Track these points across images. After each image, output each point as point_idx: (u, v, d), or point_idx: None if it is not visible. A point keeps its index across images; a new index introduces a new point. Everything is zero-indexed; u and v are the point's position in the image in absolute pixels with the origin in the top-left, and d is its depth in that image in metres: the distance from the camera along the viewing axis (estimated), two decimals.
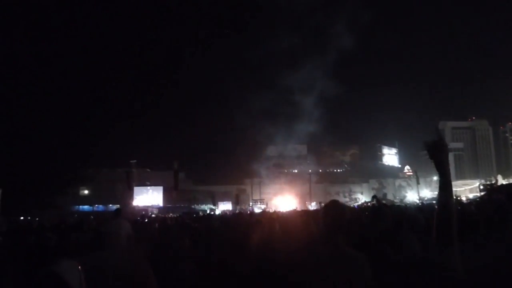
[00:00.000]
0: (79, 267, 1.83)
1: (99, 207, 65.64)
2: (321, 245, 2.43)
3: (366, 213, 5.93)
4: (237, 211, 31.53)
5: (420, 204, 23.35)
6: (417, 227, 3.72)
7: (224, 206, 62.74)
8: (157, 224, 7.61)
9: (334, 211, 2.52)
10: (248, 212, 22.94)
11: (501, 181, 59.64)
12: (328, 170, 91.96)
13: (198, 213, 29.59)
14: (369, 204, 29.95)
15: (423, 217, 4.13)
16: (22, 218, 30.65)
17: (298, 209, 21.89)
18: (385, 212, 3.50)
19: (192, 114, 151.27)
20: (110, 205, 58.93)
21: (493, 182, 51.13)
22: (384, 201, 30.00)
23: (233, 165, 78.45)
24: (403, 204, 27.50)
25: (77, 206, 68.47)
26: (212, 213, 30.30)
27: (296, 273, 2.37)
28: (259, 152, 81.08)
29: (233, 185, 76.38)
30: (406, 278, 2.10)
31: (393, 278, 2.16)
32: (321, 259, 2.33)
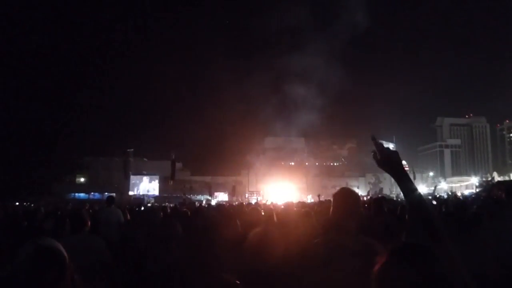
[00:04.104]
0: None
1: (95, 195, 65.59)
2: (334, 234, 2.36)
3: (366, 205, 5.95)
4: (235, 203, 31.49)
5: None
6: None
7: (221, 197, 62.80)
8: (161, 213, 7.56)
9: (346, 199, 2.46)
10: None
11: (497, 178, 59.85)
12: (325, 164, 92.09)
13: (195, 203, 29.60)
14: (365, 198, 30.07)
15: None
16: (17, 204, 30.59)
17: (295, 201, 21.82)
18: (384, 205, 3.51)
19: (191, 104, 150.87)
20: (106, 193, 58.81)
21: (490, 179, 51.30)
22: (380, 195, 30.14)
23: (230, 156, 78.53)
24: (399, 199, 27.58)
25: (73, 194, 68.43)
26: (209, 203, 30.30)
27: (314, 263, 2.30)
28: (256, 144, 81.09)
29: (230, 176, 76.42)
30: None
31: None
32: (341, 248, 2.26)
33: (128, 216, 8.53)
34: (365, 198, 28.01)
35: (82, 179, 78.59)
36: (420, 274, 1.07)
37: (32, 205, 28.08)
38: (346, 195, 2.48)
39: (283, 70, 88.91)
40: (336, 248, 2.27)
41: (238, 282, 1.97)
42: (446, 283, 1.09)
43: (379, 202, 4.12)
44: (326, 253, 2.27)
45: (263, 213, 5.23)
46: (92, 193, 68.25)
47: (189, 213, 7.87)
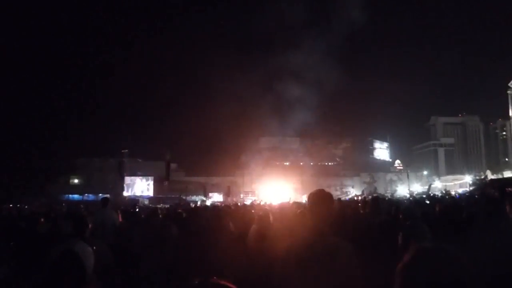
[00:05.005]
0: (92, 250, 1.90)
1: (89, 196, 65.24)
2: (309, 235, 2.37)
3: (359, 204, 5.98)
4: (233, 203, 31.52)
5: (417, 197, 23.53)
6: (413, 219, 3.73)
7: (215, 198, 62.70)
8: (160, 216, 7.57)
9: (320, 200, 2.46)
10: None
11: (490, 176, 60.23)
12: (320, 163, 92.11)
13: (190, 204, 29.59)
14: (359, 197, 30.21)
15: (419, 210, 4.15)
16: (11, 205, 30.36)
17: (290, 202, 21.83)
18: (381, 205, 3.52)
19: (185, 105, 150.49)
20: (100, 194, 58.52)
21: (483, 177, 51.66)
22: (374, 195, 30.34)
23: (225, 156, 78.28)
24: (394, 198, 27.71)
25: (67, 195, 68.02)
26: (204, 204, 30.27)
27: (283, 263, 2.33)
28: (251, 144, 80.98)
29: (225, 176, 76.25)
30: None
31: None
32: (307, 249, 2.27)
33: (120, 217, 8.48)
34: (359, 198, 28.19)
35: (76, 181, 78.09)
36: (444, 274, 1.13)
37: (26, 206, 27.92)
38: (319, 197, 2.48)
39: (278, 69, 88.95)
40: (308, 249, 2.28)
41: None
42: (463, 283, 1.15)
43: (376, 201, 4.10)
44: (299, 254, 2.29)
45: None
46: (86, 194, 67.88)
47: (184, 214, 7.86)
